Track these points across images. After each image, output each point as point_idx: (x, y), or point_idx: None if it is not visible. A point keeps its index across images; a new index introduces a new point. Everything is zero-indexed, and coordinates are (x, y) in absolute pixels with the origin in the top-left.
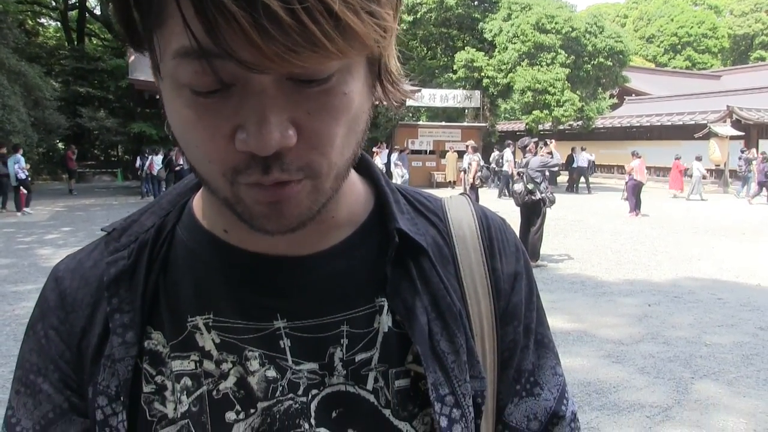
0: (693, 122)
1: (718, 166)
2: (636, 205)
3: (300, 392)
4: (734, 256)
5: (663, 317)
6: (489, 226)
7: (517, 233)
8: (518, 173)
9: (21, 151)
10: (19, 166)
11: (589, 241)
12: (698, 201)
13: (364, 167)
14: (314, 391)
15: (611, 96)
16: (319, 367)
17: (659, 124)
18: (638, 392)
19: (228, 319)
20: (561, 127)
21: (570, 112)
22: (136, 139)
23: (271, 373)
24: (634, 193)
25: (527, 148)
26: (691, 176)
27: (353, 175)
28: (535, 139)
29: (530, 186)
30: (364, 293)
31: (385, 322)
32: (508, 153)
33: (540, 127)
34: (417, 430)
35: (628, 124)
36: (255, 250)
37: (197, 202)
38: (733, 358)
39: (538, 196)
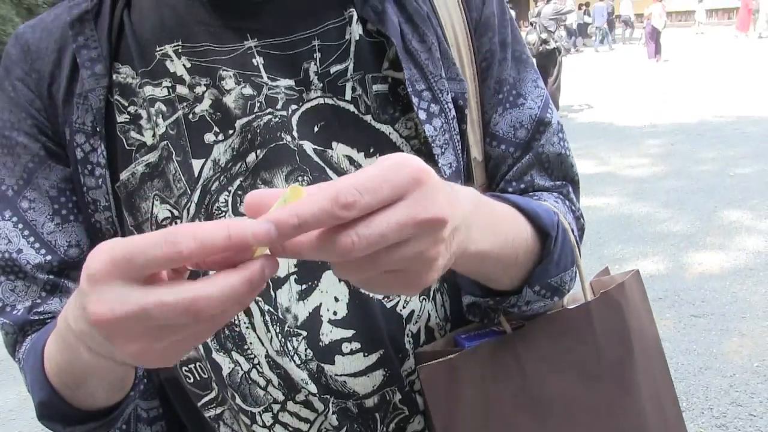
0: None
1: None
2: (656, 50)
3: (279, 107)
4: (763, 93)
5: (686, 154)
6: None
7: None
8: (530, 23)
9: None
10: None
11: (609, 89)
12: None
13: None
14: (294, 106)
15: None
16: (296, 83)
17: None
18: (662, 224)
19: (197, 43)
20: None
21: None
22: None
23: (248, 90)
24: (653, 38)
25: None
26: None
27: None
28: None
29: (543, 35)
30: (332, 6)
31: (356, 31)
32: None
33: None
34: (400, 134)
35: None
36: None
37: None
38: (756, 185)
39: (552, 45)
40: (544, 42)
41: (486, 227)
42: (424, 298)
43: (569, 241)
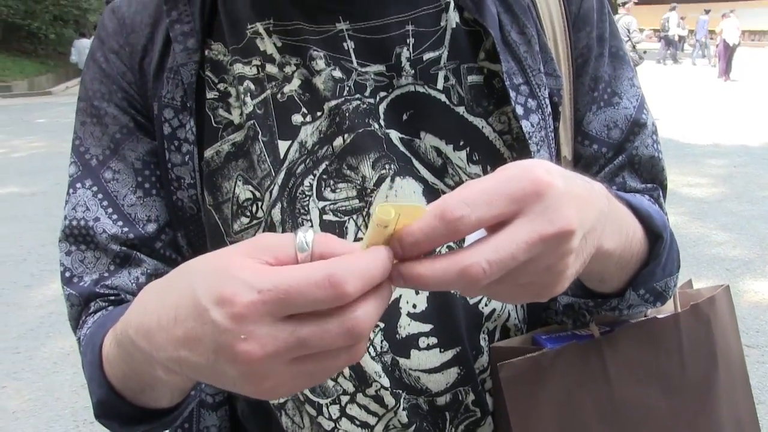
0: None
1: None
2: (726, 70)
3: (367, 94)
4: None
5: (749, 177)
6: None
7: None
8: None
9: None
10: None
11: (673, 103)
12: None
13: None
14: (382, 93)
15: None
16: (387, 68)
17: None
18: (719, 247)
19: (289, 21)
20: None
21: None
22: None
23: (337, 73)
24: (726, 55)
25: (625, 6)
26: None
27: None
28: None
29: None
30: None
31: (452, 18)
32: (674, 17)
33: None
34: (494, 128)
35: None
36: None
37: None
38: None
39: None
40: None
41: (614, 224)
42: None
43: (675, 244)
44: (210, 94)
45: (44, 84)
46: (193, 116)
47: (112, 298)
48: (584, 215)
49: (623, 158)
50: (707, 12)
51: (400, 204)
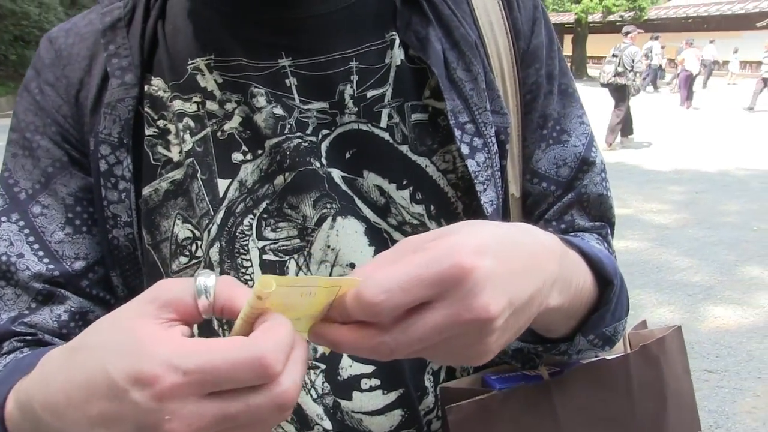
0: (757, 10)
1: None
2: (687, 97)
3: (309, 131)
4: None
5: (710, 204)
6: None
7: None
8: (613, 55)
9: None
10: None
11: (639, 131)
12: None
13: None
14: (325, 131)
15: None
16: (330, 106)
17: (718, 14)
18: (681, 273)
19: (230, 57)
20: (611, 17)
21: (621, 1)
22: None
23: (279, 111)
24: (686, 84)
25: (629, 35)
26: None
27: None
28: (640, 30)
29: (620, 69)
30: (373, 28)
31: (397, 55)
32: (657, 46)
33: (589, 18)
34: (437, 167)
35: (684, 15)
36: None
37: None
38: None
39: (623, 81)
40: (618, 74)
41: (564, 282)
42: None
43: (625, 289)
44: (149, 131)
45: (4, 106)
46: (131, 153)
47: (29, 338)
48: (515, 292)
49: (572, 196)
50: (691, 43)
51: (340, 278)
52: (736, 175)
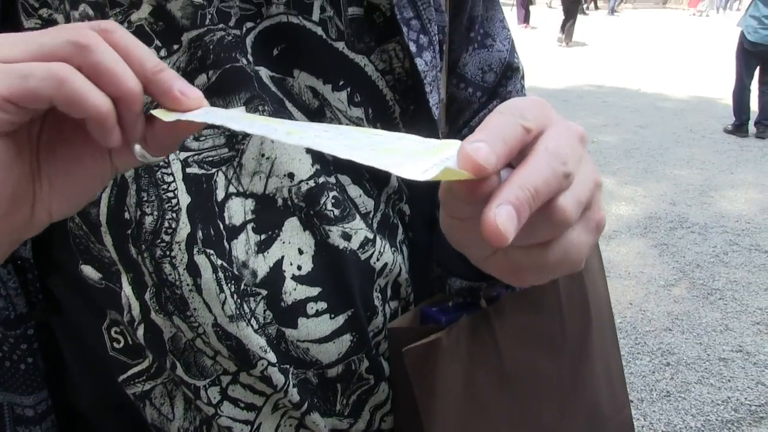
0: None
1: None
2: (525, 17)
3: (232, 24)
4: (619, 66)
5: None
6: None
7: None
8: None
9: None
10: None
11: None
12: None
13: None
14: (249, 24)
15: None
16: None
17: None
18: None
19: None
20: None
21: None
22: None
23: None
24: (523, 4)
25: None
26: None
27: None
28: None
29: None
30: None
31: None
32: None
33: None
34: (376, 66)
35: None
36: None
37: None
38: (616, 153)
39: None
40: None
41: None
42: (395, 250)
43: None
44: (29, 23)
45: None
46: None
47: None
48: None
49: (497, 103)
50: None
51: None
52: (576, 91)
